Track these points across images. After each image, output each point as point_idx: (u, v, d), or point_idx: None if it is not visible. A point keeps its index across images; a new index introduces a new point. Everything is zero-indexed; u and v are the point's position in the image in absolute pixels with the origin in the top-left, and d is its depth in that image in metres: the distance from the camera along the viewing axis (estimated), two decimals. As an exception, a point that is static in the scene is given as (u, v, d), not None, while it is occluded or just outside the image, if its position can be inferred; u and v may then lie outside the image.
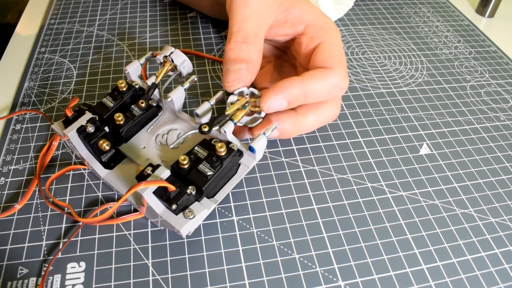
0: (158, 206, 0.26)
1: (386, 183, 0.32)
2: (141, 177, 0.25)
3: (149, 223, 0.28)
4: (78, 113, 0.29)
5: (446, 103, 0.39)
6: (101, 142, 0.28)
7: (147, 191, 0.25)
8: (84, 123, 0.28)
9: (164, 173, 0.25)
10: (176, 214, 0.26)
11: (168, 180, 0.25)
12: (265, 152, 0.33)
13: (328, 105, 0.31)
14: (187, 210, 0.26)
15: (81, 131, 0.28)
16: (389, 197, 0.31)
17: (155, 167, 0.26)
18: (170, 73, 0.33)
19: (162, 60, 0.32)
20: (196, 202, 0.27)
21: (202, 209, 0.26)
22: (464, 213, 0.30)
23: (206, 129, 0.28)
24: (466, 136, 0.36)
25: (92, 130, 0.28)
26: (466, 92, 0.40)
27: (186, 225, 0.25)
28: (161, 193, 0.25)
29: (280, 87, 0.28)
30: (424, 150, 0.34)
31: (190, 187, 0.25)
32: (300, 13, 0.32)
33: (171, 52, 0.32)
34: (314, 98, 0.29)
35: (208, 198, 0.27)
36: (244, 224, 0.28)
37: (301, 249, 0.27)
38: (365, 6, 0.52)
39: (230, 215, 0.29)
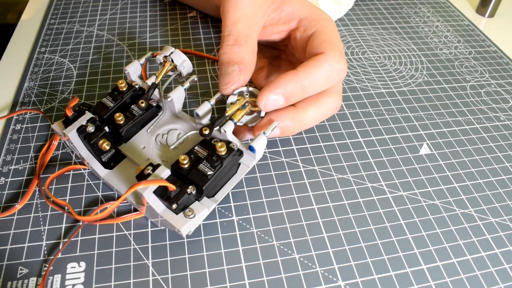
0: (158, 205, 0.26)
1: (386, 183, 0.32)
2: (142, 176, 0.25)
3: (149, 223, 0.28)
4: (78, 113, 0.29)
5: (446, 103, 0.39)
6: (101, 142, 0.28)
7: (147, 190, 0.25)
8: (84, 123, 0.28)
9: (165, 172, 0.25)
10: (176, 214, 0.26)
11: (168, 179, 0.25)
12: (265, 152, 0.33)
13: (328, 96, 0.30)
14: (187, 210, 0.26)
15: (81, 131, 0.28)
16: (389, 197, 0.31)
17: (155, 167, 0.26)
18: (170, 73, 0.33)
19: (162, 60, 0.32)
20: (196, 201, 0.27)
21: (202, 209, 0.26)
22: (464, 213, 0.30)
23: (207, 132, 0.28)
24: (466, 136, 0.36)
25: (92, 130, 0.28)
26: (466, 92, 0.40)
27: (186, 225, 0.25)
28: (161, 193, 0.25)
29: (275, 84, 0.27)
30: (424, 150, 0.34)
31: (190, 187, 0.25)
32: (292, 9, 0.32)
33: (171, 52, 0.32)
34: (313, 89, 0.28)
35: (208, 197, 0.27)
36: (244, 224, 0.28)
37: (301, 249, 0.27)
38: (365, 6, 0.52)
39: (230, 215, 0.29)
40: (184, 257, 0.27)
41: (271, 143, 0.34)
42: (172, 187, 0.25)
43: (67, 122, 0.28)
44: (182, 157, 0.26)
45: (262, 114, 0.29)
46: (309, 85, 0.28)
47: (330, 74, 0.28)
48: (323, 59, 0.28)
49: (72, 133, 0.28)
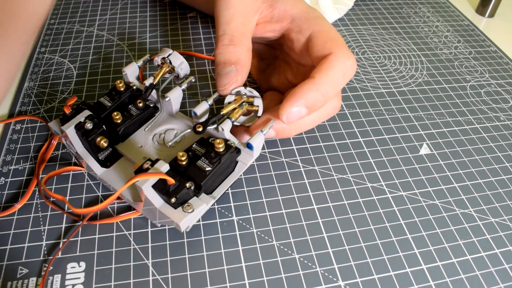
0: (156, 200, 0.26)
1: (386, 183, 0.32)
2: (140, 170, 0.25)
3: (149, 223, 0.28)
4: (76, 111, 0.29)
5: (446, 103, 0.39)
6: (98, 139, 0.28)
7: (146, 184, 0.24)
8: (82, 120, 0.28)
9: (164, 166, 0.25)
10: (175, 208, 0.26)
11: (167, 174, 0.25)
12: (265, 152, 0.33)
13: None
14: (186, 204, 0.26)
15: (79, 127, 0.28)
16: (389, 197, 0.31)
17: (154, 162, 0.26)
18: (167, 75, 0.33)
19: (160, 62, 0.32)
20: (195, 197, 0.27)
21: (201, 204, 0.26)
22: (464, 213, 0.30)
23: (200, 129, 0.28)
24: (466, 136, 0.36)
25: (90, 127, 0.28)
26: (466, 92, 0.40)
27: (185, 219, 0.25)
28: (160, 187, 0.25)
29: (295, 96, 0.27)
30: (424, 150, 0.34)
31: (188, 182, 0.26)
32: (284, 7, 0.31)
33: (169, 54, 0.32)
34: (333, 92, 0.28)
35: (207, 194, 0.27)
36: (244, 224, 0.28)
37: (301, 249, 0.27)
38: (365, 6, 0.52)
39: (230, 215, 0.29)
40: (184, 257, 0.27)
41: (271, 143, 0.34)
42: (171, 180, 0.25)
43: (65, 120, 0.28)
44: (181, 154, 0.26)
45: (259, 114, 0.30)
46: (329, 90, 0.28)
47: (345, 72, 0.28)
48: (335, 59, 0.28)
49: (69, 130, 0.27)
